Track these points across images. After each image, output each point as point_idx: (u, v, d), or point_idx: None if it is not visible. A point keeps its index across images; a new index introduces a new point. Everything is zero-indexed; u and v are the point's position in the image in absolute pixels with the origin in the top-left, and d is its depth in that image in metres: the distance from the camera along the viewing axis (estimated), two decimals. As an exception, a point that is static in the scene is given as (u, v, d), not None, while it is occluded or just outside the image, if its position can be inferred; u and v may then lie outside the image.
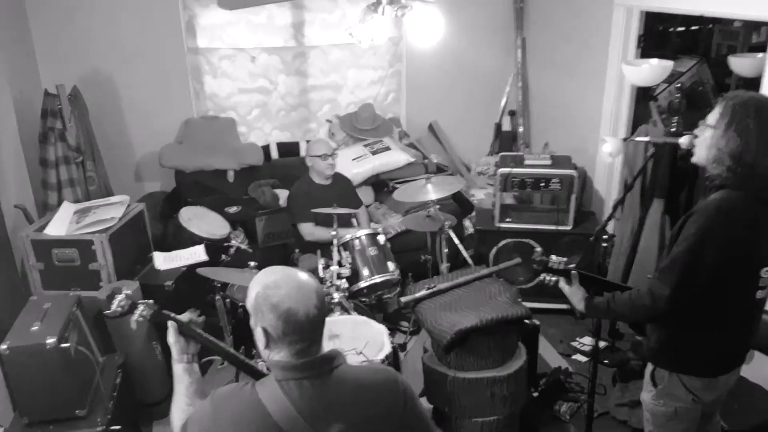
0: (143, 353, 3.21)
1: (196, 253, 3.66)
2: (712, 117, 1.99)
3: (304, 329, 1.47)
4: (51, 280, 3.36)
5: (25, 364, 2.41)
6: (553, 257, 2.43)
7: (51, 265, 3.34)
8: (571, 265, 2.39)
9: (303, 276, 1.52)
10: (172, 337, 1.76)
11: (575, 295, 2.32)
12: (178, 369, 1.75)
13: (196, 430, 1.48)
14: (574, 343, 3.91)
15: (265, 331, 1.48)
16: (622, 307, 2.12)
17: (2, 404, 2.63)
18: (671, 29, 5.19)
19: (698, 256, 1.92)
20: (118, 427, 2.57)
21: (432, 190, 3.66)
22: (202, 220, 4.13)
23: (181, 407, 1.68)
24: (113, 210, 3.53)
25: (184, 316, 1.80)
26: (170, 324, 1.77)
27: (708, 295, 1.97)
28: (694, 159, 2.10)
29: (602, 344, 3.66)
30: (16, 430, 2.50)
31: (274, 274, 1.52)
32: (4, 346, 2.39)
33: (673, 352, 2.13)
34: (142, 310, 1.86)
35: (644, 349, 2.25)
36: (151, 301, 1.88)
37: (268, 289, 1.48)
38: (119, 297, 1.87)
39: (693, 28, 5.23)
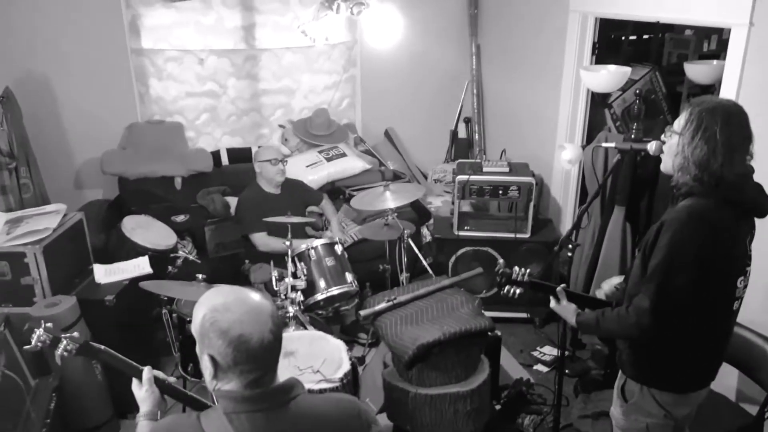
0: (82, 374, 2.98)
1: (140, 266, 3.45)
2: (678, 123, 1.93)
3: (257, 357, 1.31)
4: (-21, 296, 3.09)
5: (-56, 392, 2.18)
6: (516, 269, 2.36)
7: (-22, 279, 3.07)
8: (534, 277, 2.35)
9: (256, 297, 1.36)
10: (145, 387, 1.61)
11: (567, 311, 2.24)
12: (145, 426, 1.57)
13: None
14: (535, 353, 3.86)
15: (213, 360, 1.32)
16: (611, 323, 2.04)
17: None
18: (623, 37, 5.25)
19: (674, 266, 1.86)
20: (51, 459, 2.35)
21: (391, 198, 3.55)
22: (147, 230, 3.90)
23: None
24: (48, 220, 3.28)
25: (146, 372, 1.64)
26: (147, 374, 1.62)
27: (684, 307, 1.91)
28: (663, 166, 2.04)
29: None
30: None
31: (223, 295, 1.35)
32: None
33: (646, 366, 2.07)
34: (66, 344, 1.67)
35: (617, 361, 2.19)
36: (76, 334, 1.70)
37: (216, 312, 1.31)
38: (38, 332, 1.68)
39: (645, 36, 5.30)
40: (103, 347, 1.69)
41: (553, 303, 2.29)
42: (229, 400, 1.32)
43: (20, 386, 2.49)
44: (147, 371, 1.64)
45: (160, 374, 1.67)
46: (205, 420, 1.32)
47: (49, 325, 1.66)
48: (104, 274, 3.37)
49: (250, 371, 1.31)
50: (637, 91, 3.36)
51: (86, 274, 3.40)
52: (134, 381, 1.65)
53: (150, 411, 1.59)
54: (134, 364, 1.68)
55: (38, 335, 1.65)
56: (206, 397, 1.73)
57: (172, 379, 1.69)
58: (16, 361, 2.57)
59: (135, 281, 3.28)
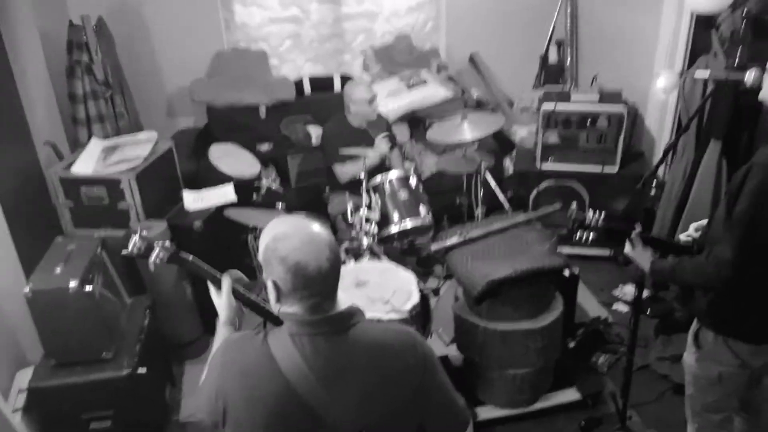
0: (173, 293, 3.21)
1: (226, 194, 3.59)
2: None
3: (314, 284, 1.36)
4: (81, 219, 3.35)
5: (48, 308, 2.41)
6: (590, 214, 2.25)
7: (80, 203, 3.31)
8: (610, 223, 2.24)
9: (315, 227, 1.42)
10: (224, 296, 1.70)
11: (642, 257, 2.15)
12: (224, 333, 1.67)
13: (209, 381, 1.43)
14: (615, 292, 3.75)
15: (276, 285, 1.39)
16: (688, 273, 1.94)
17: (34, 342, 2.66)
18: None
19: (760, 215, 1.72)
20: (144, 369, 2.57)
21: (469, 129, 3.45)
22: (233, 158, 4.05)
23: None
24: (140, 148, 3.46)
25: (228, 275, 1.73)
26: (225, 283, 1.71)
27: (766, 257, 1.77)
28: (761, 96, 1.86)
29: (645, 294, 3.48)
30: (44, 369, 2.53)
31: (284, 224, 1.42)
32: (27, 289, 2.38)
33: (722, 315, 1.97)
34: (158, 252, 1.78)
35: (691, 308, 2.09)
36: (167, 242, 1.81)
37: (277, 241, 1.38)
38: (134, 238, 1.80)
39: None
40: (192, 257, 1.79)
41: (627, 248, 2.19)
42: (292, 322, 1.39)
43: (117, 303, 2.71)
44: (225, 280, 1.72)
45: (242, 277, 1.76)
46: (272, 339, 1.39)
47: (144, 233, 1.78)
48: (193, 200, 3.54)
49: (308, 297, 1.37)
50: (744, 11, 3.01)
51: (177, 200, 3.58)
52: (212, 289, 1.75)
53: (228, 317, 1.69)
54: (217, 273, 1.77)
55: (133, 242, 1.76)
56: None
57: (243, 288, 1.75)
58: (113, 281, 2.79)
59: (221, 208, 3.43)
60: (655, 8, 4.04)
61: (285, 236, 1.38)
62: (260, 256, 1.41)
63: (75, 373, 2.50)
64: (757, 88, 2.03)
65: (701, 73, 2.76)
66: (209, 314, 3.20)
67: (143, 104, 4.47)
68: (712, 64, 3.23)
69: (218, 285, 1.76)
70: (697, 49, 3.99)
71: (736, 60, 2.93)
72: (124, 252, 1.78)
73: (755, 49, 3.04)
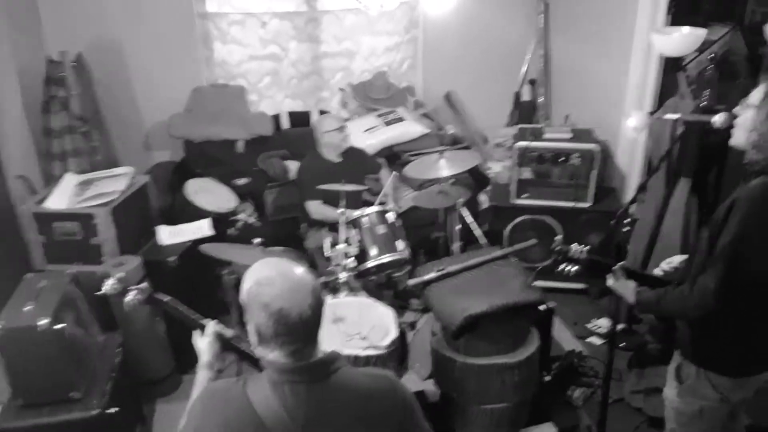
0: (146, 330, 3.15)
1: (202, 228, 3.58)
2: (756, 97, 1.81)
3: (296, 330, 1.37)
4: (53, 254, 3.30)
5: (18, 346, 2.35)
6: (574, 246, 2.29)
7: (52, 238, 3.27)
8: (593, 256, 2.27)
9: (299, 272, 1.42)
10: (207, 339, 1.69)
11: (625, 288, 2.17)
12: (204, 376, 1.66)
13: (190, 429, 1.41)
14: (589, 325, 3.79)
15: (257, 329, 1.39)
16: (673, 303, 1.97)
17: (2, 380, 2.58)
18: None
19: (744, 247, 1.78)
20: (114, 410, 2.51)
21: (445, 166, 3.50)
22: (209, 193, 4.04)
23: None
24: (116, 182, 3.44)
25: (211, 325, 1.73)
26: (211, 327, 1.71)
27: (751, 289, 1.82)
28: (732, 141, 1.93)
29: (619, 327, 3.52)
30: (10, 410, 2.45)
31: (268, 268, 1.42)
32: (-3, 327, 2.32)
33: (704, 348, 2.00)
34: (135, 294, 1.78)
35: (675, 341, 2.12)
36: (144, 285, 1.80)
37: (260, 285, 1.38)
38: (110, 281, 1.80)
39: (727, -8, 4.91)
40: (168, 298, 1.79)
41: (610, 280, 2.22)
42: (273, 370, 1.39)
43: (88, 341, 2.66)
44: (212, 324, 1.73)
45: (223, 329, 1.75)
46: (252, 386, 1.38)
47: (121, 275, 1.77)
48: (168, 235, 3.52)
49: (290, 343, 1.38)
50: (711, 55, 3.14)
51: (151, 235, 3.56)
52: (196, 332, 1.74)
53: (209, 362, 1.67)
54: (197, 315, 1.76)
55: (110, 284, 1.76)
56: None
57: (230, 332, 1.76)
58: (84, 318, 2.73)
59: (196, 243, 3.41)
60: (624, 50, 4.18)
61: (268, 282, 1.38)
62: (242, 299, 1.41)
63: (43, 413, 2.42)
64: (724, 129, 2.11)
65: (671, 115, 2.85)
66: (182, 352, 3.19)
67: (120, 138, 4.47)
68: (680, 106, 3.35)
69: (195, 326, 1.75)
70: (665, 91, 4.13)
71: (704, 101, 3.03)
72: (98, 293, 1.77)
73: (722, 90, 3.16)
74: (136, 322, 3.09)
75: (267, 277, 1.39)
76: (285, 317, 1.34)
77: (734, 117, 1.93)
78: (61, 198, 3.30)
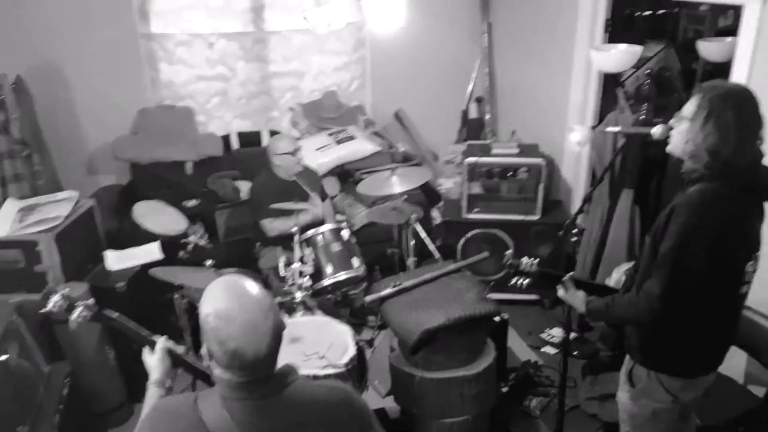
0: (94, 359, 3.05)
1: (151, 252, 3.49)
2: (689, 109, 1.90)
3: (251, 368, 1.33)
4: (-6, 284, 3.16)
5: (-42, 380, 2.24)
6: (524, 260, 2.34)
7: (-7, 267, 3.14)
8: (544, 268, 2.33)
9: (261, 307, 1.34)
10: (157, 356, 1.65)
11: (575, 298, 2.23)
12: (154, 393, 1.61)
13: None
14: (543, 335, 3.86)
15: (210, 353, 1.36)
16: (621, 310, 2.05)
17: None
18: (638, 13, 5.13)
19: (685, 251, 1.85)
20: (63, 443, 2.42)
21: (397, 183, 3.54)
22: (158, 216, 3.96)
23: None
24: (60, 207, 3.33)
25: (161, 341, 1.69)
26: (161, 343, 1.67)
27: (695, 292, 1.89)
28: (670, 149, 2.02)
29: (571, 336, 3.60)
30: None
31: (227, 299, 1.34)
32: (-66, 361, 2.21)
33: (654, 351, 2.07)
34: (81, 310, 1.72)
35: (625, 346, 2.18)
36: (91, 301, 1.75)
37: (218, 319, 1.31)
38: (55, 297, 1.73)
39: (660, 12, 5.17)
40: (117, 314, 1.73)
41: (561, 291, 2.27)
42: (225, 386, 1.36)
43: (33, 374, 2.55)
44: (162, 340, 1.69)
45: (173, 345, 1.71)
46: (203, 402, 1.35)
47: (66, 291, 1.71)
48: (116, 260, 3.42)
49: (243, 375, 1.35)
50: (647, 71, 3.29)
51: (98, 260, 3.45)
52: (146, 349, 1.69)
53: (159, 379, 1.63)
54: (146, 332, 1.72)
55: (54, 301, 1.69)
56: None
57: (181, 348, 1.73)
58: (29, 349, 2.63)
59: (146, 267, 3.32)
60: (565, 67, 4.33)
61: (227, 319, 1.31)
62: (200, 320, 1.36)
63: (-14, 450, 2.32)
64: (663, 140, 2.21)
65: (612, 128, 2.97)
66: (133, 379, 3.10)
67: (63, 162, 4.33)
68: (620, 119, 3.48)
69: (145, 343, 1.71)
70: (606, 106, 4.30)
71: (643, 115, 3.17)
72: (42, 311, 1.71)
73: (659, 104, 3.31)
74: (83, 350, 2.98)
75: (226, 313, 1.31)
76: (240, 356, 1.30)
77: (671, 129, 2.01)
78: (2, 225, 3.17)
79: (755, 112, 1.86)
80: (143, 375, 1.69)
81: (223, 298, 1.34)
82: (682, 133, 1.92)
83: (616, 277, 2.36)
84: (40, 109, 4.11)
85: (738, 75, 2.98)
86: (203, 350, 1.39)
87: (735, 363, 2.95)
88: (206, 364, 1.42)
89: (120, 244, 3.68)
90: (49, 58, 4.34)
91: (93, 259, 3.46)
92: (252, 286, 1.38)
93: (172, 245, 3.72)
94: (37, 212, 3.28)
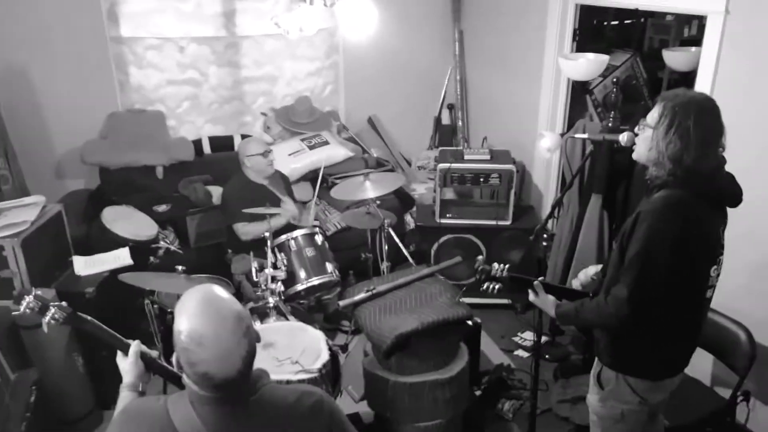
0: (63, 366, 2.98)
1: (121, 257, 3.44)
2: (652, 117, 1.95)
3: (221, 389, 1.33)
4: (-43, 291, 3.08)
5: None
6: (495, 265, 2.36)
7: (-43, 274, 3.06)
8: (514, 273, 2.35)
9: (235, 335, 1.31)
10: (130, 360, 1.64)
11: (545, 303, 2.26)
12: (127, 397, 1.60)
13: None
14: (516, 339, 3.90)
15: (179, 366, 1.36)
16: (590, 314, 2.08)
17: None
18: (605, 23, 5.24)
19: (651, 256, 1.89)
20: (30, 452, 2.36)
21: (371, 188, 3.55)
22: (128, 221, 3.90)
23: None
24: (26, 212, 3.26)
25: (135, 345, 1.68)
26: (135, 347, 1.66)
27: (661, 296, 1.94)
28: (635, 156, 2.07)
29: (543, 339, 3.65)
30: None
31: (203, 323, 1.30)
32: None
33: (622, 354, 2.11)
34: (54, 312, 1.70)
35: (594, 349, 2.22)
36: (64, 303, 1.72)
37: (191, 340, 1.28)
38: (28, 298, 1.70)
39: (626, 22, 5.30)
40: (90, 317, 1.71)
41: (531, 296, 2.29)
42: (194, 393, 1.35)
43: (-1, 380, 2.50)
44: (136, 344, 1.68)
45: (146, 349, 1.70)
46: (173, 406, 1.35)
47: (39, 292, 1.68)
48: (84, 265, 3.36)
49: (212, 392, 1.34)
50: (615, 80, 3.37)
51: (66, 266, 3.38)
52: (119, 353, 1.68)
53: (132, 383, 1.62)
54: (120, 336, 1.70)
55: (27, 302, 1.67)
56: None
57: (155, 353, 1.72)
58: (-6, 355, 2.57)
59: (116, 273, 3.27)
60: (535, 75, 4.41)
61: (199, 343, 1.28)
62: (173, 332, 1.33)
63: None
64: (630, 147, 2.26)
65: (581, 135, 3.02)
66: (102, 386, 3.04)
67: (30, 167, 4.25)
68: (588, 126, 3.55)
69: (118, 347, 1.69)
70: (575, 113, 4.39)
71: (610, 122, 3.24)
72: (15, 313, 1.69)
73: (626, 111, 3.38)
74: (51, 357, 2.92)
75: (200, 337, 1.28)
76: (210, 379, 1.30)
77: (636, 136, 2.06)
78: (-35, 230, 3.10)
79: (717, 120, 1.91)
80: (112, 382, 1.68)
81: (198, 320, 1.30)
82: (645, 140, 1.97)
83: (582, 279, 2.40)
84: (6, 113, 4.02)
85: (702, 83, 3.07)
86: (174, 358, 1.39)
87: (702, 365, 3.02)
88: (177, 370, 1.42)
89: (89, 249, 3.61)
90: (15, 61, 4.25)
91: (61, 265, 3.39)
92: (229, 307, 1.35)
93: (142, 250, 3.68)
94: (3, 217, 3.21)
